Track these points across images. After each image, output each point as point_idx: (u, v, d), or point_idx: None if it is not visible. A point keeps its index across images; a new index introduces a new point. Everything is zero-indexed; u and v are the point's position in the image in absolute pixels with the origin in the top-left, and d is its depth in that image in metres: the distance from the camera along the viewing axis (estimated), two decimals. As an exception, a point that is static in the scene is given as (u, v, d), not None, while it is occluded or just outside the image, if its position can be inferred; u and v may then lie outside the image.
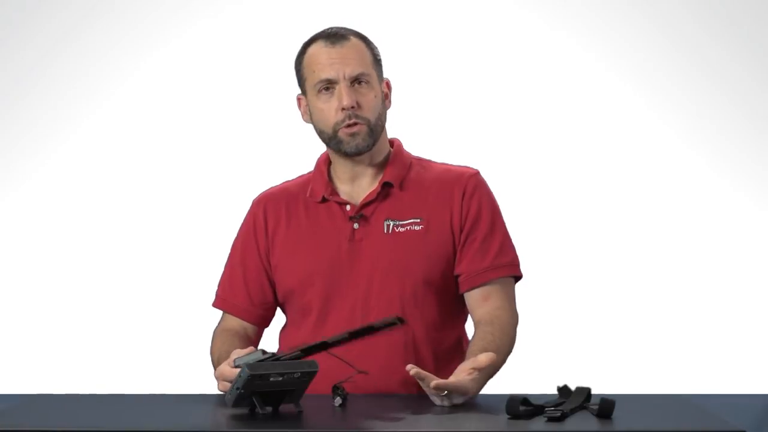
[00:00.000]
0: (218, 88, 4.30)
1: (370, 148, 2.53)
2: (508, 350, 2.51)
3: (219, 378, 2.34)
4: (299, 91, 2.60)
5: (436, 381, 2.22)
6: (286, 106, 2.99)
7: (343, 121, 2.50)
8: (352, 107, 2.49)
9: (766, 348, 4.14)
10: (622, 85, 4.27)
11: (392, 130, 2.63)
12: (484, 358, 2.28)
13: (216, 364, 2.50)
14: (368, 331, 2.39)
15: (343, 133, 2.51)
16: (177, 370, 4.00)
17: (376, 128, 2.53)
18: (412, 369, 2.24)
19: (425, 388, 2.26)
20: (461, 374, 2.27)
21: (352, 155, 2.54)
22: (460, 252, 2.55)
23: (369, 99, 2.52)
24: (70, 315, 4.23)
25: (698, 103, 4.26)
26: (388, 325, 2.41)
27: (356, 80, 2.51)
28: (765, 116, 4.25)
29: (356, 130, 2.51)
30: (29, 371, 4.20)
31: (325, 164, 2.61)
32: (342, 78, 2.50)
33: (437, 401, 2.27)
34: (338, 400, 2.27)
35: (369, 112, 2.51)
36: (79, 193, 4.30)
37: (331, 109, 2.51)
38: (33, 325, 4.24)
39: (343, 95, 2.49)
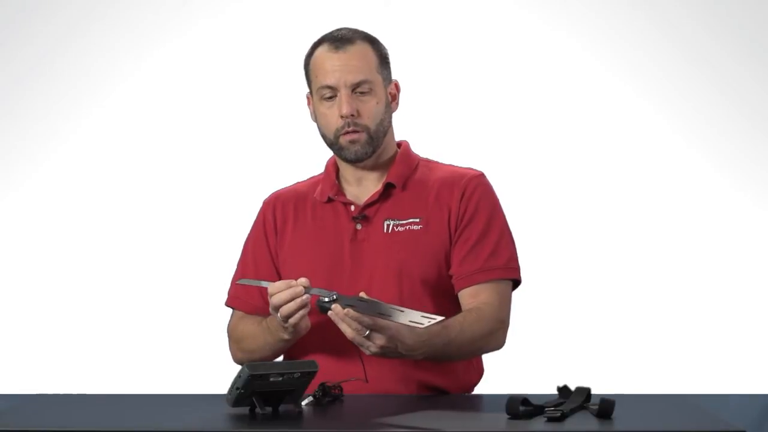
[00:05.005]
0: (219, 89, 4.29)
1: (369, 155, 2.56)
2: (479, 337, 2.48)
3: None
4: (307, 90, 2.62)
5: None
6: (291, 106, 3.00)
7: (342, 128, 2.54)
8: (352, 115, 2.52)
9: (766, 348, 4.14)
10: (622, 85, 4.27)
11: (395, 130, 2.64)
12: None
13: (252, 341, 2.53)
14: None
15: (343, 140, 2.55)
16: (177, 370, 4.00)
17: (377, 135, 2.55)
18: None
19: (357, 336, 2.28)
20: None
21: (352, 162, 2.57)
22: (452, 252, 2.56)
23: (370, 106, 2.54)
24: (71, 315, 4.23)
25: (699, 103, 4.26)
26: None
27: (358, 87, 2.53)
28: (765, 116, 4.25)
29: (355, 137, 2.54)
30: (29, 371, 4.19)
31: (333, 166, 2.65)
32: (343, 86, 2.53)
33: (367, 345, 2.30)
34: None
35: (369, 120, 2.54)
36: (79, 193, 4.29)
37: (332, 115, 2.54)
38: (33, 325, 4.23)
39: (343, 103, 2.52)
